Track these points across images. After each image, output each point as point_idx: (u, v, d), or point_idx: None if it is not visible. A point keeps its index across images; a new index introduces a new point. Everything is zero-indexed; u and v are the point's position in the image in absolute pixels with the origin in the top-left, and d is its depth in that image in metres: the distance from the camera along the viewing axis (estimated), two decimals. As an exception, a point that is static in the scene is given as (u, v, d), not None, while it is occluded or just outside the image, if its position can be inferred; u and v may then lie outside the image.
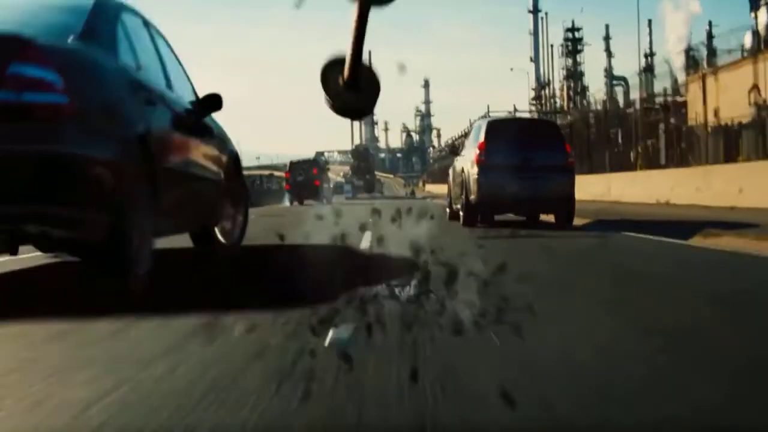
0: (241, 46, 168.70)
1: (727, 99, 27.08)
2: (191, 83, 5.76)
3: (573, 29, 65.05)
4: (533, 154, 10.19)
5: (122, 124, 3.90)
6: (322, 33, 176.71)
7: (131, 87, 4.18)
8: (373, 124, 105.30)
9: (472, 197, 10.17)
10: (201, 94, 5.72)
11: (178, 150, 4.89)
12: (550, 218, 10.83)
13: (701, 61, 33.11)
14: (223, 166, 5.96)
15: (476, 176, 10.06)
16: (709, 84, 28.64)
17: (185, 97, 5.42)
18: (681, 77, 41.47)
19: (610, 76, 63.10)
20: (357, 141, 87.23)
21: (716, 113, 27.45)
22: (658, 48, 73.81)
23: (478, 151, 10.20)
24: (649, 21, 61.55)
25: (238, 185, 6.41)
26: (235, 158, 6.36)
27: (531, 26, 70.90)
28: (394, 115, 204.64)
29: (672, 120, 33.60)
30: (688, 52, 35.23)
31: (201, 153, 5.47)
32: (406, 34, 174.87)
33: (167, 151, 4.57)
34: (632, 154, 37.50)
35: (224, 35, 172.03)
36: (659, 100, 38.71)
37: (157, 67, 4.93)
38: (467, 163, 10.65)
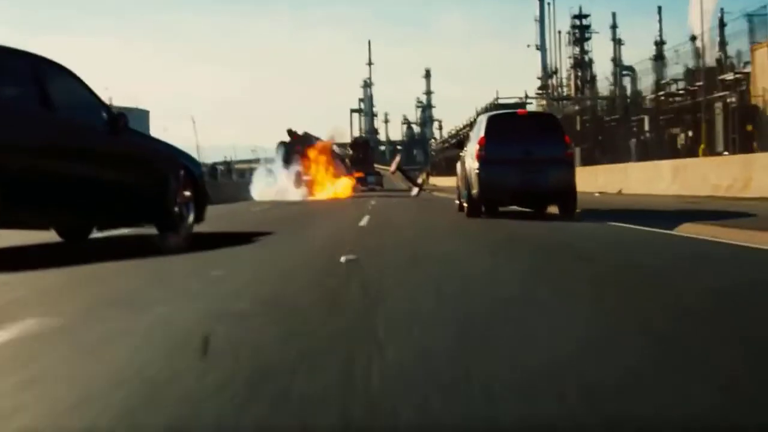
0: (240, 38, 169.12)
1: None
2: (104, 107, 7.22)
3: (580, 16, 65.62)
4: (532, 148, 10.98)
5: None
6: (322, 24, 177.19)
7: None
8: (372, 115, 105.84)
9: (474, 191, 11.03)
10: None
11: (43, 158, 6.20)
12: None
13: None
14: (158, 175, 7.46)
15: (477, 171, 10.91)
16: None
17: (88, 119, 6.92)
18: (701, 60, 41.03)
19: (618, 64, 63.78)
20: (356, 133, 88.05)
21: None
22: (673, 29, 73.46)
23: (478, 147, 11.04)
24: (659, 8, 62.23)
25: (191, 189, 7.92)
26: (185, 169, 7.91)
27: (537, 12, 71.46)
28: (394, 107, 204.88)
29: (730, 99, 31.73)
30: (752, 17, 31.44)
31: (104, 163, 6.89)
32: (407, 20, 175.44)
33: (20, 158, 5.95)
34: (682, 138, 36.12)
35: (221, 27, 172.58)
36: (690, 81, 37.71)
37: (33, 98, 6.37)
38: (470, 158, 11.52)
